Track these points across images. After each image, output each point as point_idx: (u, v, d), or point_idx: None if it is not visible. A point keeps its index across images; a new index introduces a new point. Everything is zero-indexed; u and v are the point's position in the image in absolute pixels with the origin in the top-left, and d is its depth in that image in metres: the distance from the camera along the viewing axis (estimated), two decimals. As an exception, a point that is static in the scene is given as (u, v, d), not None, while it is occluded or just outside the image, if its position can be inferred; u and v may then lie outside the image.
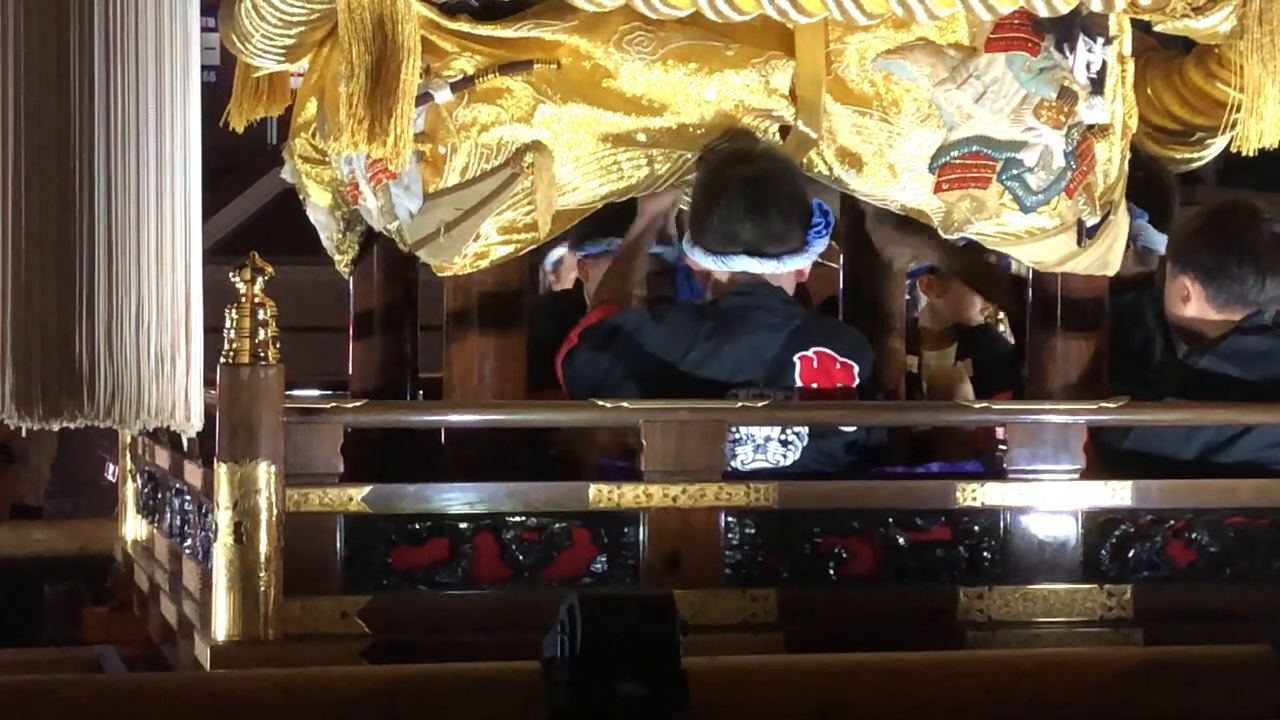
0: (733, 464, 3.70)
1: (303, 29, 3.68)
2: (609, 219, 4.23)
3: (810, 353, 3.84)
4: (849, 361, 3.86)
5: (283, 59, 3.84)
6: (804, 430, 3.80)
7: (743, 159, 3.80)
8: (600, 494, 3.57)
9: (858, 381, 3.85)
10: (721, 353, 3.80)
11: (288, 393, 3.47)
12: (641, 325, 3.87)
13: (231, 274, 3.41)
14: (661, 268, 4.51)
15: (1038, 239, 3.95)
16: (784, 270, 3.86)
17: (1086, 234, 3.95)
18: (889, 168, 3.90)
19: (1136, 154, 4.22)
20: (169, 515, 4.19)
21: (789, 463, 3.78)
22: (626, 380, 3.78)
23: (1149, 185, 4.36)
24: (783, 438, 3.79)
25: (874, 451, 3.89)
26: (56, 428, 2.97)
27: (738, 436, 3.75)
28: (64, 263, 2.92)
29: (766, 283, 3.86)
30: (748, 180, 3.78)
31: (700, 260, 3.89)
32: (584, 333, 3.92)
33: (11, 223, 2.93)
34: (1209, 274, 4.08)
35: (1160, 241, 4.43)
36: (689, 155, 3.85)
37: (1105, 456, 3.85)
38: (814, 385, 3.83)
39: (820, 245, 3.89)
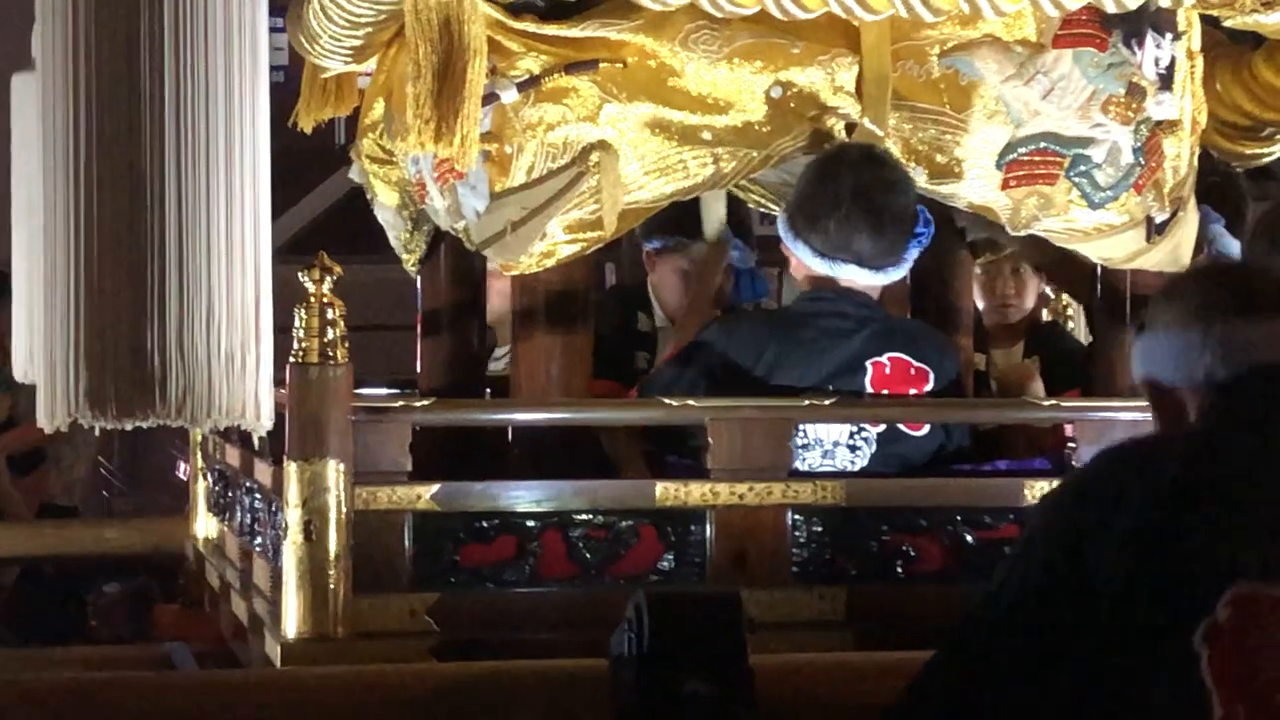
0: (800, 469, 3.70)
1: (370, 30, 3.70)
2: (679, 213, 4.23)
3: (884, 358, 3.82)
4: (924, 367, 3.84)
5: (350, 59, 3.86)
6: (872, 435, 3.79)
7: (860, 163, 3.77)
8: (667, 492, 3.58)
9: (931, 386, 3.84)
10: (791, 358, 3.79)
11: (356, 391, 3.49)
12: (717, 338, 3.89)
13: (300, 274, 3.43)
14: (729, 270, 4.51)
15: (1106, 235, 3.93)
16: (883, 281, 3.86)
17: (1155, 230, 3.93)
18: (956, 164, 3.89)
19: (1209, 159, 4.20)
20: (239, 513, 4.22)
21: (856, 469, 3.78)
22: (707, 392, 3.77)
23: (1222, 190, 4.34)
24: (851, 443, 3.78)
25: (954, 458, 3.87)
26: (129, 427, 3.00)
27: (806, 441, 3.75)
28: (135, 265, 2.94)
29: (839, 287, 3.85)
30: (869, 188, 3.75)
31: (804, 259, 3.87)
32: (666, 360, 3.94)
33: (84, 225, 2.95)
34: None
35: (1234, 247, 4.40)
36: (754, 153, 3.84)
37: None
38: (885, 392, 3.81)
39: (916, 253, 3.88)
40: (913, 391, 3.83)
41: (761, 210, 4.57)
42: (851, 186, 3.76)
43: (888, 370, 3.82)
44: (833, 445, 3.79)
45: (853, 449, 3.80)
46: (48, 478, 7.42)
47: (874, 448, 3.80)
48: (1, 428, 7.11)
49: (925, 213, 3.87)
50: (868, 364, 3.81)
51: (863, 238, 3.80)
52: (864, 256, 3.81)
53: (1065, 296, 5.43)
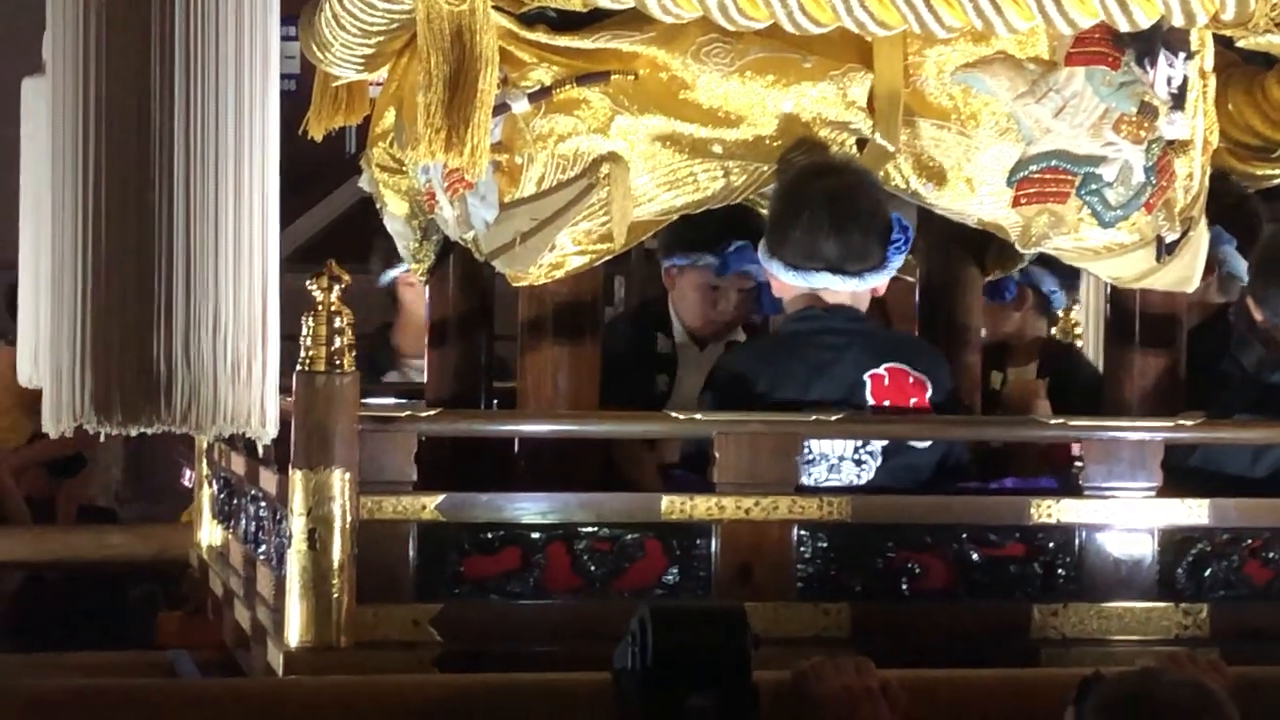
0: (806, 483, 3.69)
1: (382, 38, 3.69)
2: (698, 228, 4.24)
3: (881, 370, 3.82)
4: (921, 376, 3.84)
5: (362, 68, 3.86)
6: (877, 448, 3.78)
7: (824, 172, 3.78)
8: (672, 505, 3.57)
9: (930, 394, 3.83)
10: (791, 376, 3.79)
11: (362, 400, 3.48)
12: (731, 360, 3.94)
13: (308, 282, 3.43)
14: (751, 284, 4.51)
15: (1116, 254, 3.92)
16: (864, 288, 3.85)
17: (1166, 250, 3.93)
18: (966, 181, 3.88)
19: (1225, 180, 4.20)
20: (244, 521, 4.21)
21: (863, 482, 3.77)
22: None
23: (1237, 212, 4.35)
24: (856, 457, 3.77)
25: (956, 471, 3.87)
26: (134, 433, 2.99)
27: (811, 456, 3.74)
28: (143, 271, 2.94)
29: (825, 303, 3.84)
30: (830, 195, 3.76)
31: (779, 275, 3.88)
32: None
33: (92, 231, 2.95)
34: (1254, 293, 4.10)
35: (1244, 268, 4.42)
36: (765, 167, 3.84)
37: (1171, 473, 3.82)
38: (886, 403, 3.81)
39: (898, 261, 3.88)
40: (913, 401, 3.82)
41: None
42: (813, 197, 3.77)
43: (886, 381, 3.81)
44: (838, 459, 3.78)
45: (858, 463, 3.79)
46: (90, 481, 7.46)
47: (879, 460, 3.79)
48: (35, 435, 7.13)
49: (902, 220, 3.86)
50: (866, 377, 3.80)
51: (828, 242, 3.79)
52: (833, 261, 3.81)
53: (1074, 315, 5.43)
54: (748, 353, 4.04)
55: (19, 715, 3.05)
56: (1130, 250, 3.92)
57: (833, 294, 3.84)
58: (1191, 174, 3.93)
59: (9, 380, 6.31)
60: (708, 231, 4.35)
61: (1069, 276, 4.85)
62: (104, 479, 7.59)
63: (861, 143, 3.86)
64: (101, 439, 3.13)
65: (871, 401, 3.80)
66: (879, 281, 3.87)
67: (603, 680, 3.03)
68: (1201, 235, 4.01)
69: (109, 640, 5.34)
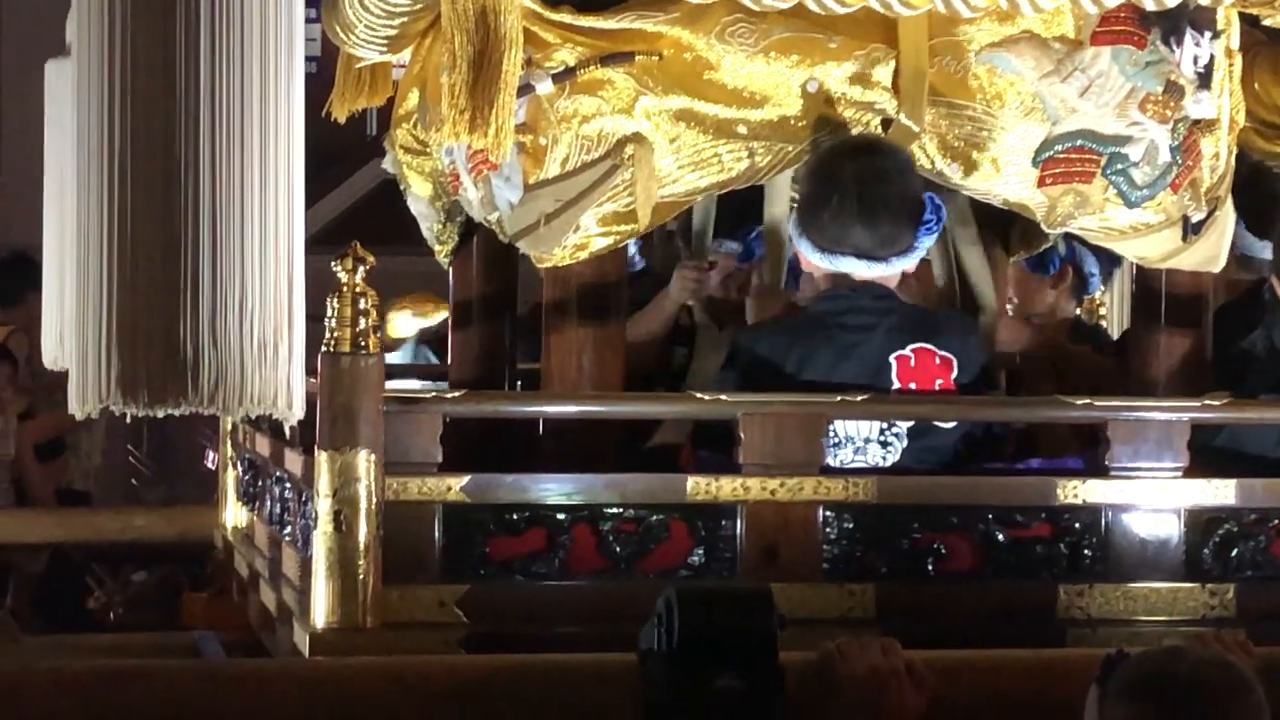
0: (833, 465, 3.69)
1: (406, 20, 3.69)
2: (721, 214, 4.23)
3: (908, 351, 3.81)
4: (948, 355, 3.83)
5: (385, 49, 3.86)
6: (903, 430, 3.77)
7: (856, 153, 3.77)
8: (698, 486, 3.57)
9: (955, 375, 3.82)
10: (817, 357, 3.78)
11: (387, 382, 3.48)
12: (755, 339, 3.90)
13: (333, 263, 3.43)
14: (726, 265, 4.52)
15: (1142, 234, 3.91)
16: (891, 272, 3.84)
17: (1192, 230, 3.92)
18: (992, 162, 3.87)
19: (1240, 155, 4.19)
20: (269, 502, 4.22)
21: (888, 464, 3.76)
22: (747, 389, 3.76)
23: (1250, 186, 4.32)
24: (882, 439, 3.77)
25: (989, 442, 3.85)
26: (161, 414, 3.00)
27: (837, 439, 3.74)
28: (169, 252, 2.94)
29: (854, 282, 3.83)
30: (860, 179, 3.74)
31: (807, 255, 3.87)
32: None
33: (118, 212, 2.95)
34: (1278, 272, 4.08)
35: (1258, 246, 4.39)
36: (789, 147, 3.83)
37: (1198, 453, 3.80)
38: (912, 385, 3.80)
39: (929, 241, 3.87)
40: (939, 382, 3.81)
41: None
42: (844, 179, 3.76)
43: (913, 363, 3.80)
44: (864, 442, 3.78)
45: (884, 445, 3.78)
46: (68, 465, 7.53)
47: (905, 442, 3.79)
48: (20, 418, 7.19)
49: (935, 199, 3.85)
50: (892, 359, 3.79)
51: (857, 230, 3.79)
52: (861, 249, 3.80)
53: (1099, 295, 5.42)
54: (774, 331, 4.02)
55: (45, 695, 3.05)
56: (1156, 230, 3.91)
57: (847, 279, 3.84)
58: (1218, 153, 3.92)
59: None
60: (730, 217, 4.34)
61: (1110, 263, 4.83)
62: (85, 465, 7.67)
63: (886, 123, 3.85)
64: (78, 423, 3.13)
65: (897, 384, 3.79)
66: (908, 264, 3.87)
67: (628, 661, 3.03)
68: (1228, 215, 4.00)
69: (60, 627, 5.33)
